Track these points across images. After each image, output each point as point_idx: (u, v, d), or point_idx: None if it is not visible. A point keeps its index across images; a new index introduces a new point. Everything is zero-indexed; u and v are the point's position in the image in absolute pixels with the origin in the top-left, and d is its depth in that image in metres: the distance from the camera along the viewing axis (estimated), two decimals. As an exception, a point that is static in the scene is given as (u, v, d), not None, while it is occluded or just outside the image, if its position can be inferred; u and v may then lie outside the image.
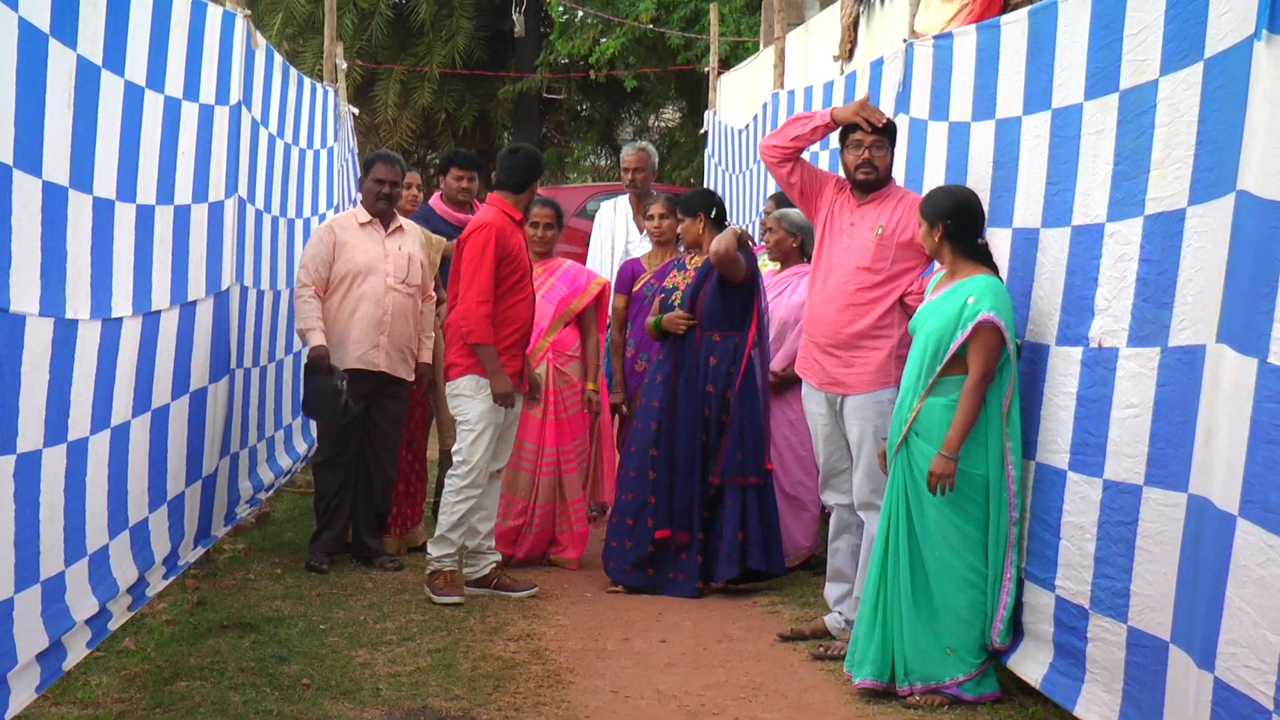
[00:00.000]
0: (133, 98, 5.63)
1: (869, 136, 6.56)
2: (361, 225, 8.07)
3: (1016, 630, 5.81)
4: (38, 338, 4.67)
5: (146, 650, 6.27)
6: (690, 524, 7.77)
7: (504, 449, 7.70)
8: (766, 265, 8.56)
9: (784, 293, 8.17)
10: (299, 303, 7.96)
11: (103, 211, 5.35)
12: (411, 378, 8.18)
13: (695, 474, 7.78)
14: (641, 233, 9.70)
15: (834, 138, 6.96)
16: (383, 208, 8.09)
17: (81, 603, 5.33)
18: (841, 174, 6.76)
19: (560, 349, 8.39)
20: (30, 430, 4.71)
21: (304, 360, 8.03)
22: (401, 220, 8.22)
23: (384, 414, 8.10)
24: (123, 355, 5.70)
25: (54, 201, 4.79)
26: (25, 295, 4.54)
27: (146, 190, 5.91)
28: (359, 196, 8.51)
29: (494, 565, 7.64)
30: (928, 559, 5.85)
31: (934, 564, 5.83)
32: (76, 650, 5.25)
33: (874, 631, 5.95)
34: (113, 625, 5.73)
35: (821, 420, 6.77)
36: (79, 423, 5.26)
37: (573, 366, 8.43)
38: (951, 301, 5.79)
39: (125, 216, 5.65)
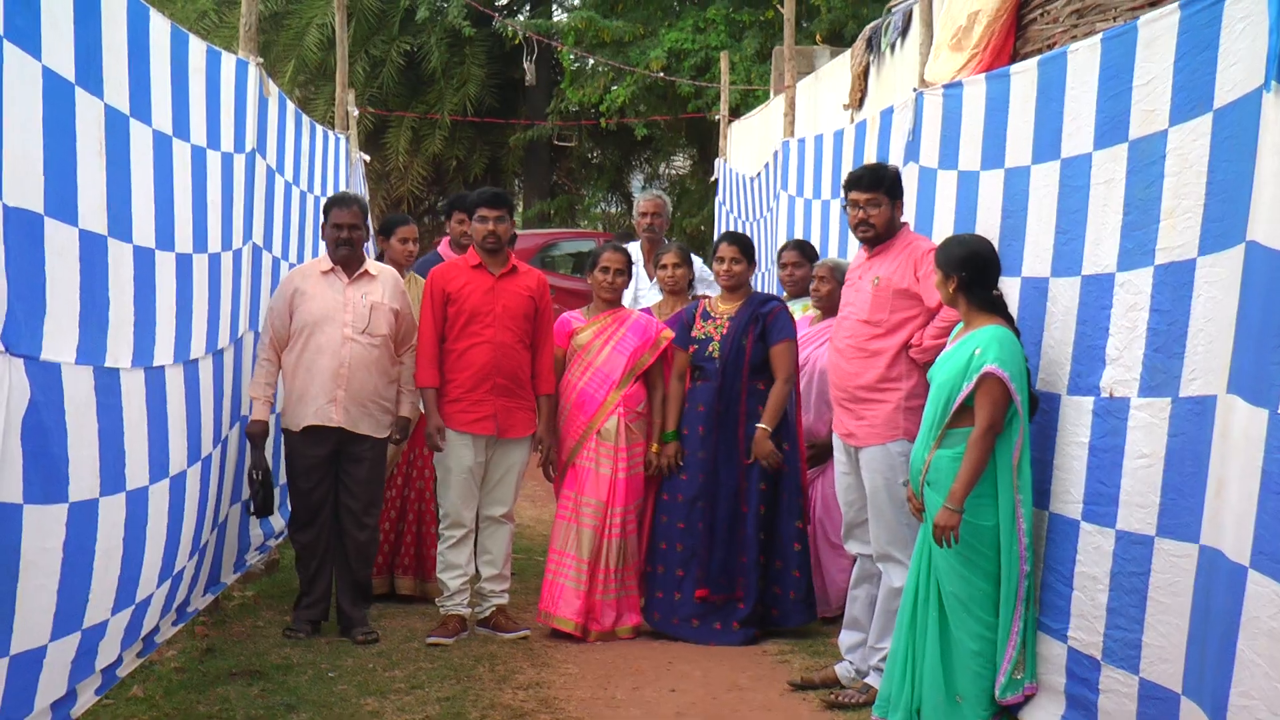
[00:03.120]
0: (162, 146, 5.67)
1: (863, 195, 6.56)
2: (323, 274, 7.58)
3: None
4: (77, 386, 4.68)
5: (155, 698, 6.26)
6: (731, 583, 7.75)
7: (496, 496, 7.73)
8: (804, 310, 8.55)
9: (828, 343, 8.11)
10: (257, 364, 7.58)
11: (143, 260, 5.38)
12: (382, 434, 7.64)
13: (748, 525, 7.75)
14: (652, 280, 9.64)
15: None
16: (344, 254, 7.58)
17: (108, 651, 5.34)
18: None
19: (630, 404, 7.96)
20: (84, 479, 4.72)
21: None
22: (370, 266, 7.70)
23: (350, 475, 7.59)
24: (170, 404, 5.74)
25: (92, 250, 4.81)
26: (60, 343, 4.55)
27: (183, 239, 5.95)
28: (369, 243, 8.45)
29: (494, 609, 7.70)
30: (947, 608, 5.83)
31: (950, 614, 5.82)
32: (86, 697, 5.24)
33: (906, 676, 5.93)
34: (122, 672, 5.72)
35: (843, 469, 6.76)
36: (137, 472, 5.30)
37: (641, 424, 8.00)
38: (961, 352, 5.79)
39: (165, 265, 5.69)
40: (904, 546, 6.42)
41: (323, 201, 9.78)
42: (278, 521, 8.75)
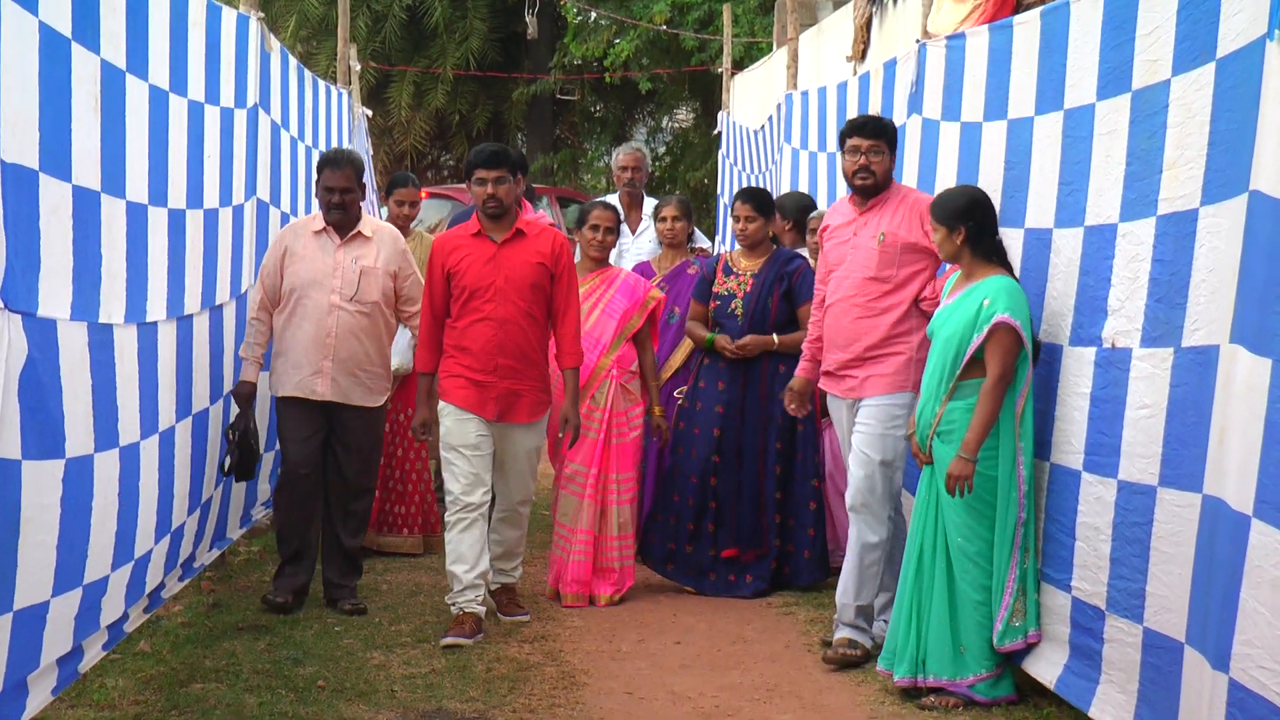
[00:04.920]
0: (158, 102, 5.66)
1: (865, 141, 6.48)
2: (315, 233, 7.09)
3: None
4: (72, 342, 4.69)
5: (162, 652, 6.29)
6: (759, 539, 7.77)
7: (508, 487, 7.11)
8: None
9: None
10: (248, 323, 7.13)
11: (136, 216, 5.38)
12: (376, 402, 7.22)
13: (768, 484, 7.75)
14: (635, 234, 9.59)
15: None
16: (336, 218, 7.07)
17: (112, 607, 5.37)
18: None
19: (624, 366, 7.65)
20: (79, 435, 4.75)
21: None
22: (366, 226, 7.17)
23: (342, 444, 7.17)
24: (162, 360, 5.76)
25: (86, 206, 4.82)
26: (55, 300, 4.56)
27: (177, 194, 5.94)
28: (374, 199, 8.33)
29: (500, 586, 7.19)
30: (953, 560, 5.85)
31: (956, 566, 5.84)
32: (93, 652, 5.28)
33: (910, 629, 5.96)
34: (129, 628, 5.76)
35: (848, 428, 6.70)
36: (129, 427, 5.32)
37: (636, 385, 7.73)
38: (968, 304, 5.78)
39: (158, 221, 5.68)
40: (882, 502, 6.46)
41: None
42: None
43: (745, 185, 12.63)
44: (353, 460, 7.21)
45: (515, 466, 7.05)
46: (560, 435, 7.17)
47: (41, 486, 4.46)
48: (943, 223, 5.92)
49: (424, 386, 6.99)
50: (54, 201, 4.54)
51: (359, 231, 7.14)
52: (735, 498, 7.76)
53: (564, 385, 7.05)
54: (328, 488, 7.22)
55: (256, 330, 7.09)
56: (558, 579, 7.63)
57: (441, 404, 6.92)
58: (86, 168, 4.84)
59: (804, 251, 8.17)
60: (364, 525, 7.44)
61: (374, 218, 7.49)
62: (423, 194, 16.50)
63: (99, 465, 4.95)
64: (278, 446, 7.55)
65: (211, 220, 6.50)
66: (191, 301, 6.20)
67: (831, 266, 6.71)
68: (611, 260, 8.21)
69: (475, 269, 6.80)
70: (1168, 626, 4.76)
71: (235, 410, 7.01)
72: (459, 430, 6.86)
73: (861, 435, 6.51)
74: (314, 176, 7.39)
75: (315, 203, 8.82)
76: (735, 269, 7.87)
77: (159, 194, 5.68)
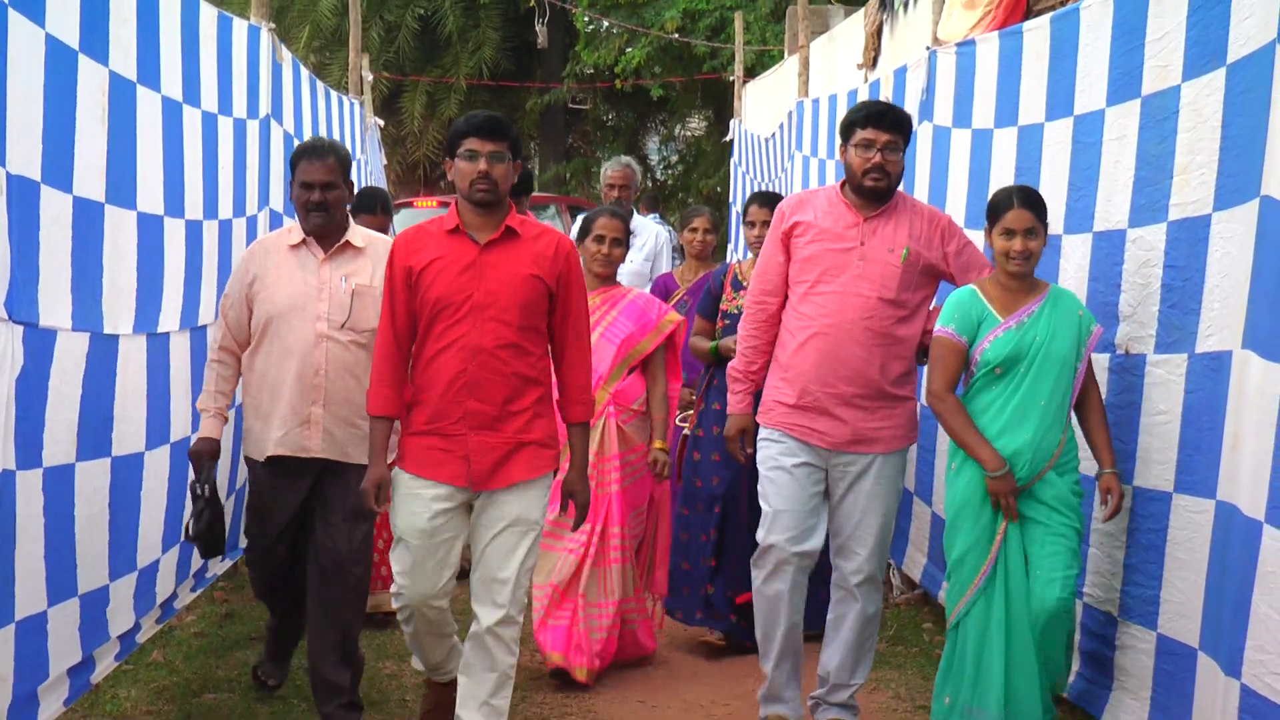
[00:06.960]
0: (171, 113, 5.67)
1: (883, 136, 5.40)
2: (291, 248, 5.53)
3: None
4: (70, 352, 4.71)
5: (175, 663, 6.30)
6: None
7: (487, 577, 5.04)
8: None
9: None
10: (207, 366, 5.64)
11: (149, 227, 5.38)
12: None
13: None
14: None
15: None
16: (318, 222, 5.46)
17: (121, 617, 5.38)
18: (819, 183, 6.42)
19: (624, 401, 6.51)
20: (60, 444, 4.75)
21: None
22: (355, 236, 5.57)
23: (332, 510, 5.47)
24: (175, 371, 5.75)
25: (87, 217, 4.83)
26: (56, 310, 4.58)
27: (193, 205, 5.94)
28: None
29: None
30: (1047, 616, 5.13)
31: (1049, 623, 5.15)
32: (105, 663, 5.30)
33: (999, 683, 5.19)
34: (141, 638, 5.78)
35: (813, 484, 5.59)
36: (128, 438, 5.31)
37: (637, 425, 6.56)
38: (1060, 318, 5.15)
39: (175, 232, 5.69)
40: (883, 566, 5.74)
41: (351, 169, 9.55)
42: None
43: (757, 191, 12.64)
44: (345, 530, 5.48)
45: (495, 545, 5.03)
46: (562, 511, 5.38)
47: (27, 496, 4.49)
48: (1043, 222, 5.21)
49: (378, 434, 5.06)
50: (54, 212, 4.56)
51: (347, 242, 5.56)
52: (750, 531, 6.54)
53: (571, 445, 5.21)
54: (319, 565, 5.53)
55: (219, 376, 5.59)
56: (577, 653, 6.37)
57: (394, 470, 5.16)
58: (90, 179, 4.85)
59: None
60: (362, 607, 5.71)
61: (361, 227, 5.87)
62: (434, 203, 16.35)
63: (80, 475, 4.93)
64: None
65: (226, 231, 6.51)
66: (206, 313, 6.22)
67: (819, 277, 5.53)
68: None
69: (446, 278, 4.95)
70: (1181, 633, 4.75)
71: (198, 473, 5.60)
72: (405, 509, 5.05)
73: (883, 499, 5.57)
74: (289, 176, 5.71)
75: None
76: (746, 282, 6.68)
77: (175, 205, 5.69)
